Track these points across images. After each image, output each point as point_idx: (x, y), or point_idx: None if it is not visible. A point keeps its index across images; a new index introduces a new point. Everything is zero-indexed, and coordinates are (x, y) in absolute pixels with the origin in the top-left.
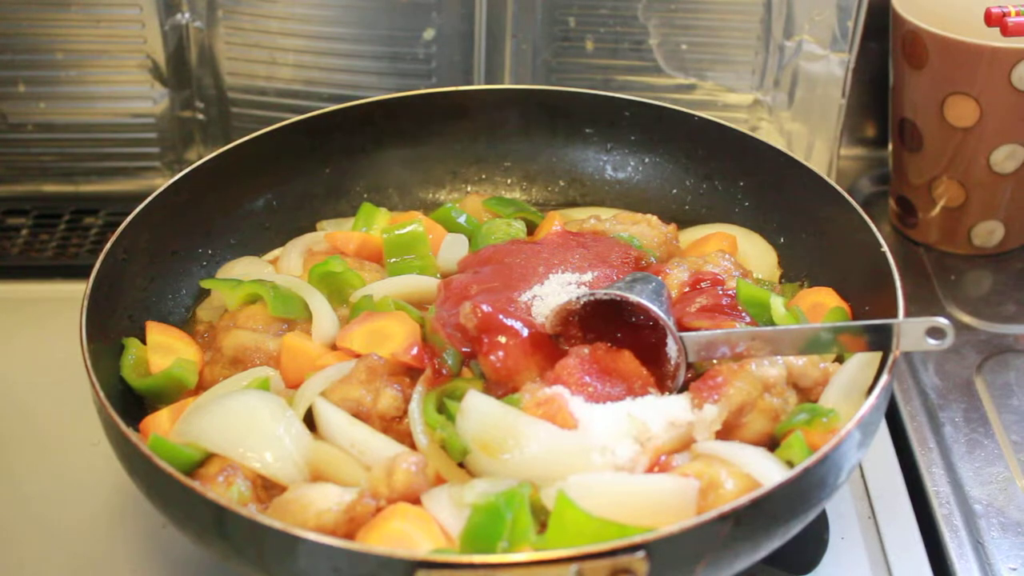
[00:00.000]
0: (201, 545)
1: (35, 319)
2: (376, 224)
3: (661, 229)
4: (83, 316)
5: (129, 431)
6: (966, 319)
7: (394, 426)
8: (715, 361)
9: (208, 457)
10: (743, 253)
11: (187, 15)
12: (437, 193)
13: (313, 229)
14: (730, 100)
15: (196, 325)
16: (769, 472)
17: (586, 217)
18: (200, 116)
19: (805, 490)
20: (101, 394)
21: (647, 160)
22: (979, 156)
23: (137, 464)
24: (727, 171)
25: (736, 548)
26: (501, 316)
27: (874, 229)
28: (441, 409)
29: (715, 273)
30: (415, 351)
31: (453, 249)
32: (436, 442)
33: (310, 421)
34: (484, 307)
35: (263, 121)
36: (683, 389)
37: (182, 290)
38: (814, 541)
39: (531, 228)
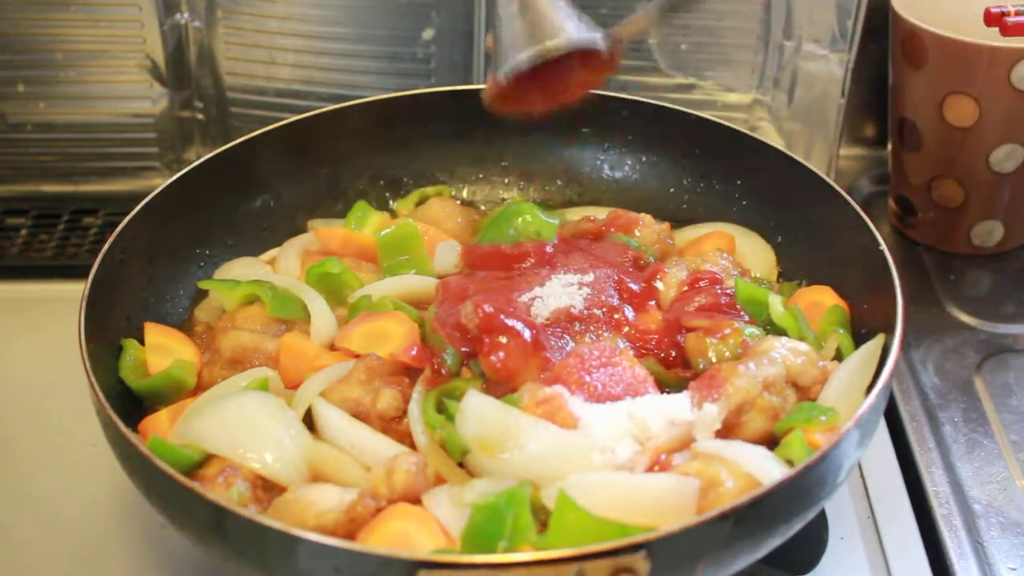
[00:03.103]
0: (201, 546)
1: (34, 319)
2: (368, 225)
3: (654, 228)
4: (81, 316)
5: (128, 432)
6: (966, 319)
7: (394, 426)
8: (712, 359)
9: (207, 458)
10: (741, 252)
11: (186, 15)
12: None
13: None
14: (729, 100)
15: (194, 326)
16: (769, 471)
17: (581, 218)
18: (199, 116)
19: (805, 489)
20: (100, 395)
21: (644, 159)
22: (978, 156)
23: (136, 465)
24: (725, 170)
25: (736, 547)
26: (503, 316)
27: (872, 228)
28: (440, 409)
29: (713, 272)
30: (414, 351)
31: (447, 256)
32: (436, 442)
33: (309, 422)
34: (486, 307)
35: (262, 121)
36: (683, 388)
37: (180, 291)
38: (813, 541)
39: None
